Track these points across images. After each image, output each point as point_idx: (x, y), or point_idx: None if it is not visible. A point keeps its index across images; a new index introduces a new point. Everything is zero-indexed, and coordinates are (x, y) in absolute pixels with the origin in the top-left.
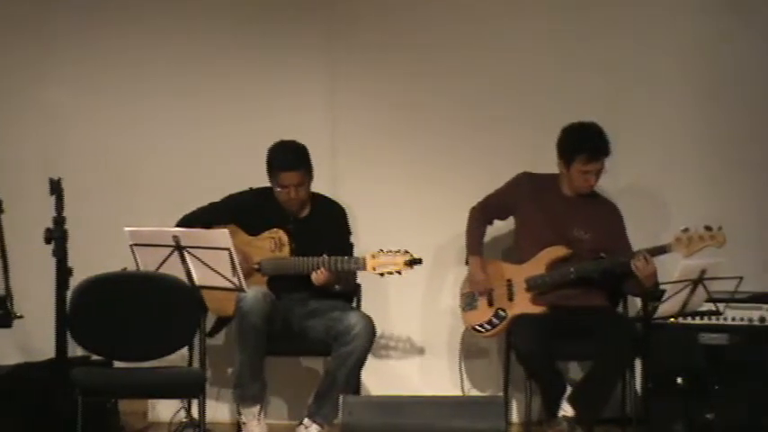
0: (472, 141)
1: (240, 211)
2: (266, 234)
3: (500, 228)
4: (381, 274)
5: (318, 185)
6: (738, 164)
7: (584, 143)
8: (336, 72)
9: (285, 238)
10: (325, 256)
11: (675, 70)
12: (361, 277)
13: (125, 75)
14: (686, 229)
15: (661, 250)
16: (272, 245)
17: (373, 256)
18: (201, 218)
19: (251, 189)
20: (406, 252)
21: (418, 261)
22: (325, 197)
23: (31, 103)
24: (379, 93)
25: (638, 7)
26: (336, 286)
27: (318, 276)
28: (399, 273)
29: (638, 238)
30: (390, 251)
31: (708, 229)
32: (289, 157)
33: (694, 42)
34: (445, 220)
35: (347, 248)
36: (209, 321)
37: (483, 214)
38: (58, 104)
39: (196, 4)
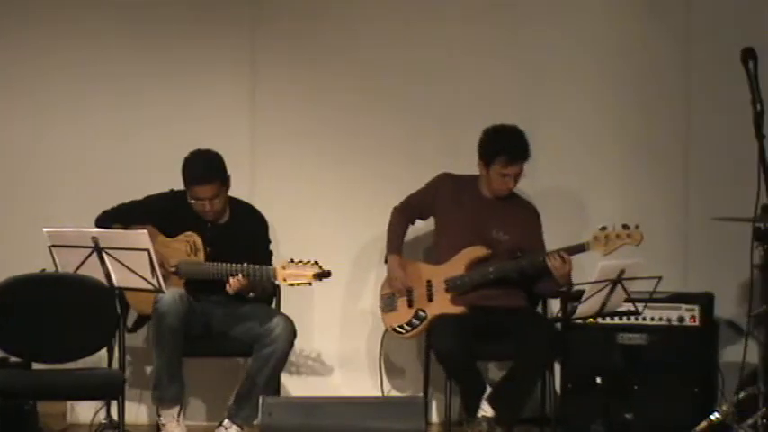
0: (393, 141)
1: (158, 213)
2: (182, 237)
3: (420, 228)
4: (291, 285)
5: (237, 188)
6: (656, 164)
7: (503, 146)
8: (257, 73)
9: (199, 242)
10: (238, 264)
11: (595, 71)
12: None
13: (38, 76)
14: (604, 228)
15: (579, 249)
16: (187, 248)
17: (283, 268)
18: (120, 215)
19: (171, 191)
20: (315, 263)
21: (327, 274)
22: (246, 204)
23: None
24: (300, 94)
25: (558, 7)
26: (251, 294)
27: (233, 284)
28: (309, 284)
29: (558, 239)
30: (300, 262)
31: (625, 227)
32: (202, 171)
33: (613, 43)
34: (366, 220)
35: (265, 258)
36: (132, 317)
37: (404, 214)
38: None
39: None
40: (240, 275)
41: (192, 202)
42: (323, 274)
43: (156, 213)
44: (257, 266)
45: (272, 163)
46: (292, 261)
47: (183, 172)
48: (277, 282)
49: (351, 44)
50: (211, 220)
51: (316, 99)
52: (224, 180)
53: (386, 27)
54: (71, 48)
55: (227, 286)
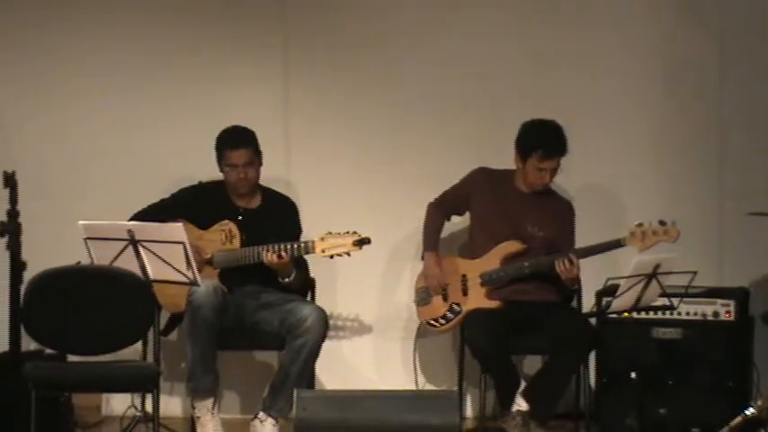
0: (430, 135)
1: (190, 206)
2: (216, 227)
3: (456, 223)
4: (331, 257)
5: (272, 182)
6: (692, 161)
7: (541, 140)
8: (290, 67)
9: (235, 229)
10: (275, 244)
11: (632, 69)
12: (316, 271)
13: (73, 75)
14: (640, 224)
15: (616, 244)
16: (222, 237)
17: (321, 239)
18: (153, 214)
19: (200, 183)
20: (354, 233)
21: (367, 240)
22: (275, 191)
23: None
24: (334, 87)
25: (596, 6)
26: (287, 279)
27: (269, 257)
28: (348, 254)
29: (594, 235)
30: (338, 233)
31: (662, 223)
32: (237, 137)
33: (650, 41)
34: (401, 214)
35: (297, 240)
36: (163, 320)
37: (440, 210)
38: (5, 104)
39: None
40: (280, 251)
41: (227, 170)
42: (362, 241)
43: (187, 206)
44: (291, 243)
45: (306, 161)
46: (330, 233)
47: (217, 143)
48: (314, 254)
49: (382, 37)
50: (243, 206)
51: (349, 93)
52: (257, 150)
53: (417, 19)
54: (112, 45)
55: (266, 259)
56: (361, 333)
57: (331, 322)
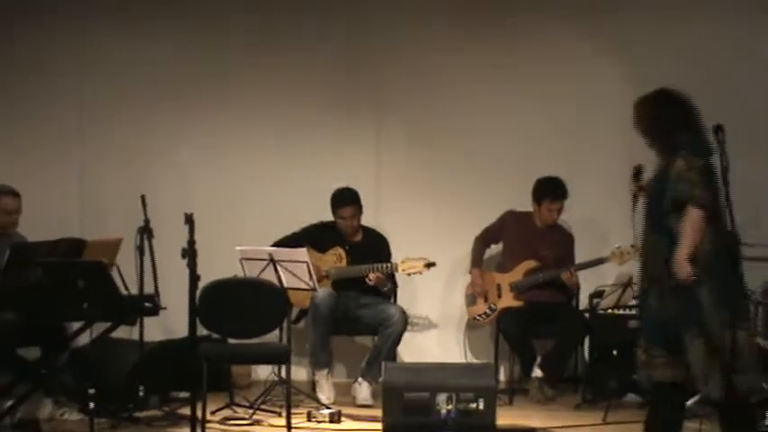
0: (478, 185)
1: (313, 237)
2: (331, 251)
3: (493, 249)
4: (409, 274)
5: (368, 222)
6: None
7: (550, 190)
8: (381, 142)
9: (344, 254)
10: (373, 264)
11: (611, 132)
12: (400, 282)
13: (238, 139)
14: (618, 246)
15: (601, 261)
16: (335, 259)
17: (403, 262)
18: (287, 241)
19: (321, 222)
20: (425, 258)
21: (433, 264)
22: (372, 229)
23: (169, 167)
24: (412, 155)
25: (583, 82)
26: (385, 288)
27: (373, 278)
28: (421, 273)
29: (586, 253)
30: (414, 258)
31: (633, 246)
32: (346, 197)
33: (628, 111)
34: (457, 243)
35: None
36: (294, 313)
37: (482, 240)
38: (188, 166)
39: (286, 87)
40: (378, 272)
41: (339, 220)
42: (430, 264)
43: (311, 237)
44: (382, 264)
45: (391, 205)
46: (408, 258)
47: (332, 200)
48: (398, 273)
49: (451, 112)
50: (349, 240)
51: (424, 155)
52: (359, 205)
53: (475, 102)
54: (258, 121)
55: (368, 279)
56: (428, 326)
57: (409, 318)
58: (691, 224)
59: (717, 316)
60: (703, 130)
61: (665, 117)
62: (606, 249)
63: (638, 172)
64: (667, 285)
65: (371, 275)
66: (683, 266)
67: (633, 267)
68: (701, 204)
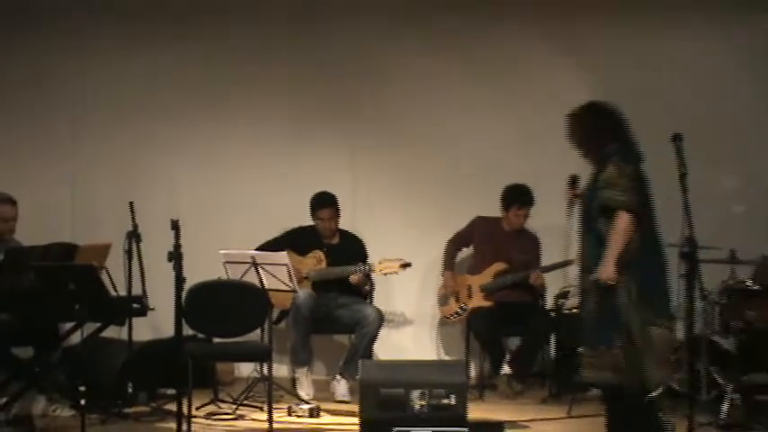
0: (449, 191)
1: (293, 241)
2: (311, 254)
3: (465, 252)
4: (385, 274)
5: (345, 226)
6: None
7: (517, 197)
8: (355, 145)
9: (323, 256)
10: (352, 266)
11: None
12: (377, 282)
13: (222, 150)
14: None
15: (566, 263)
16: (314, 261)
17: (380, 263)
18: (270, 245)
19: (300, 226)
20: (401, 259)
21: (409, 264)
22: (349, 232)
23: (157, 175)
24: (383, 164)
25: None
26: (366, 287)
27: (353, 278)
28: (397, 273)
29: (552, 256)
30: (391, 259)
31: None
32: (324, 200)
33: None
34: (431, 246)
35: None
36: (275, 314)
37: (453, 245)
38: (175, 174)
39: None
40: (359, 273)
41: (318, 222)
42: (406, 264)
43: (291, 241)
44: (360, 265)
45: (367, 211)
46: (385, 259)
47: (311, 202)
48: (375, 273)
49: (425, 123)
50: (328, 243)
51: (399, 164)
52: (337, 208)
53: (446, 115)
54: (254, 140)
55: (351, 278)
56: (404, 324)
57: (385, 317)
58: (618, 228)
59: (638, 315)
60: (632, 139)
61: (596, 128)
62: (571, 252)
63: (573, 180)
64: (596, 287)
65: (354, 277)
66: (607, 268)
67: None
68: (630, 209)
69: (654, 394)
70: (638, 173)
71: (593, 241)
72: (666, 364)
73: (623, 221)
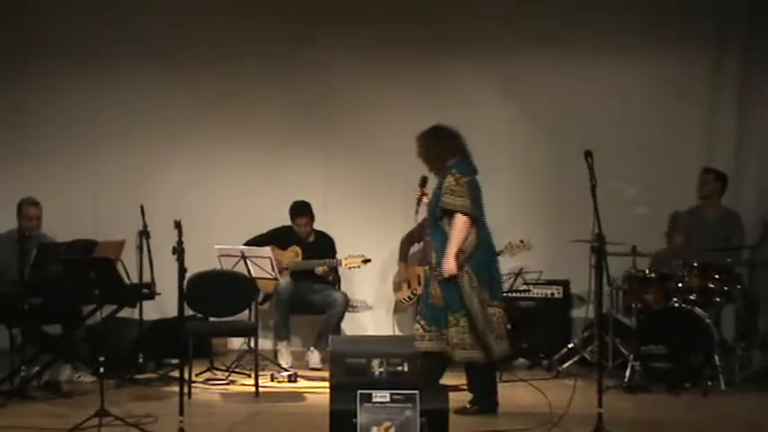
0: (405, 195)
1: (275, 238)
2: (290, 249)
3: (416, 247)
4: (350, 268)
5: (319, 226)
6: (542, 198)
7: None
8: (328, 157)
9: (299, 251)
10: (322, 260)
11: (508, 151)
12: (343, 274)
13: (218, 161)
14: (510, 242)
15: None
16: (293, 255)
17: (345, 258)
18: (256, 240)
19: (282, 226)
20: (363, 255)
21: (369, 260)
22: (323, 232)
23: (164, 184)
24: (353, 167)
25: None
26: (330, 277)
27: (320, 270)
28: (359, 267)
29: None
30: (354, 255)
31: (522, 241)
32: (301, 208)
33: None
34: (389, 243)
35: (333, 258)
36: (260, 297)
37: (407, 240)
38: (178, 184)
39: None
40: (325, 265)
41: (295, 226)
42: (367, 260)
43: (275, 238)
44: (331, 259)
45: (337, 214)
46: (350, 255)
47: (290, 211)
48: (341, 267)
49: (386, 137)
50: (304, 240)
51: (364, 175)
52: (312, 215)
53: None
54: (243, 152)
55: (317, 270)
56: (365, 307)
57: (350, 301)
58: (457, 228)
59: (476, 298)
60: (469, 155)
61: (440, 147)
62: (500, 244)
63: (423, 182)
64: (440, 276)
65: (319, 269)
66: (449, 262)
67: (522, 259)
68: (465, 212)
69: (497, 362)
70: (473, 182)
71: (438, 237)
72: (504, 338)
73: (460, 222)
